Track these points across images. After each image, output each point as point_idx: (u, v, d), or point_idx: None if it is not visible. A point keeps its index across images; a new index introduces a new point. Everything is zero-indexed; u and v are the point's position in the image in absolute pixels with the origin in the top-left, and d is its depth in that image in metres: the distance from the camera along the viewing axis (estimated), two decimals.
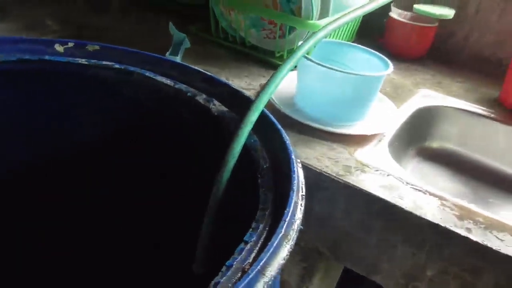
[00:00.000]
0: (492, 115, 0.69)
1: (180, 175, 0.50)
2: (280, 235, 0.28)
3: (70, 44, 0.51)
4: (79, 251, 0.55)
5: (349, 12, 0.55)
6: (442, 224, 0.41)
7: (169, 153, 0.50)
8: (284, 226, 0.28)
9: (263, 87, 0.45)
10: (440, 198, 0.46)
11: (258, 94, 0.44)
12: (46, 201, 0.53)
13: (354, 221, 0.47)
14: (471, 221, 0.43)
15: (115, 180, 0.54)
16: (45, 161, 0.54)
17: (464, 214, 0.43)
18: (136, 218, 0.54)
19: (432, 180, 0.67)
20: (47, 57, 0.49)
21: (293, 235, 0.29)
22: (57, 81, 0.51)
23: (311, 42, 0.49)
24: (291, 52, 0.74)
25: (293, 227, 0.29)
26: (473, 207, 0.45)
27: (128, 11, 0.93)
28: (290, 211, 0.30)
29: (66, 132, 0.54)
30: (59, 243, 0.54)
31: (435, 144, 0.72)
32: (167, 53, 0.70)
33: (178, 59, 0.70)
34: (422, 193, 0.47)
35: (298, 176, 0.34)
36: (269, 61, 0.75)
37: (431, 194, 0.46)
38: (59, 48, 0.51)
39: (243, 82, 0.69)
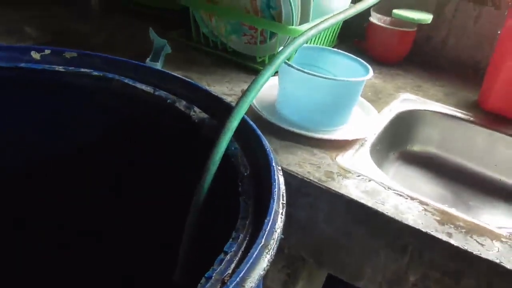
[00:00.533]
0: (471, 119, 0.70)
1: (163, 183, 0.49)
2: (260, 245, 0.27)
3: (47, 51, 0.50)
4: (79, 251, 0.54)
5: (329, 18, 0.55)
6: (423, 230, 0.42)
7: (150, 161, 0.50)
8: (264, 236, 0.28)
9: (244, 94, 0.45)
10: (422, 203, 0.46)
11: (238, 101, 0.43)
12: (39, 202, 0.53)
13: (336, 227, 0.47)
14: (452, 226, 0.43)
15: (95, 191, 0.53)
16: (25, 167, 0.53)
17: (445, 219, 0.44)
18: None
19: (414, 183, 0.68)
20: (22, 65, 0.48)
21: (273, 245, 0.28)
22: (33, 89, 0.50)
23: (291, 47, 0.49)
24: (273, 57, 0.75)
25: (273, 236, 0.29)
26: (454, 211, 0.46)
27: (108, 17, 0.92)
28: (271, 220, 0.30)
29: (45, 141, 0.52)
30: (59, 243, 0.54)
31: (416, 147, 0.73)
32: (148, 59, 0.69)
33: (158, 65, 0.69)
34: (404, 198, 0.47)
35: (278, 184, 0.34)
36: (250, 66, 0.75)
37: (412, 199, 0.47)
38: (35, 55, 0.49)
39: (225, 88, 0.68)
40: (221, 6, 0.73)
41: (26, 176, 0.52)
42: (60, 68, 0.48)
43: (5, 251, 0.52)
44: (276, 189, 0.33)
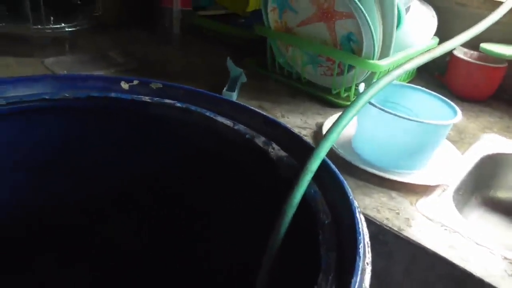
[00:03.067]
0: None
1: (237, 220, 0.49)
2: None
3: (135, 82, 0.52)
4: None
5: (416, 57, 0.53)
6: None
7: (225, 196, 0.50)
8: None
9: (326, 134, 0.44)
10: None
11: (320, 141, 0.42)
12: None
13: (416, 281, 0.44)
14: None
15: (168, 221, 0.54)
16: (103, 196, 0.55)
17: None
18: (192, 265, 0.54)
19: (497, 233, 0.62)
20: (113, 94, 0.51)
21: None
22: (121, 118, 0.52)
23: (376, 88, 0.47)
24: (348, 90, 0.73)
25: None
26: None
27: (188, 43, 0.96)
28: (357, 280, 0.28)
29: (126, 169, 0.54)
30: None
31: (501, 194, 0.67)
32: (224, 89, 0.71)
33: (234, 94, 0.70)
34: (494, 256, 0.43)
35: (363, 239, 0.32)
36: (325, 98, 0.74)
37: (505, 258, 0.43)
38: (124, 85, 0.52)
39: (299, 120, 0.68)
40: (299, 36, 0.73)
41: (112, 202, 0.55)
42: (147, 99, 0.50)
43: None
44: (362, 245, 0.31)
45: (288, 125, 0.47)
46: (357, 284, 0.28)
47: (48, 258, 0.53)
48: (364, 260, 0.30)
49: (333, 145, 0.57)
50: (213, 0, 0.99)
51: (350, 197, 0.37)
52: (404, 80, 0.82)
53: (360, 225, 0.33)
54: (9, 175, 0.50)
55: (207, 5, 1.00)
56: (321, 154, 0.42)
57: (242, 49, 0.91)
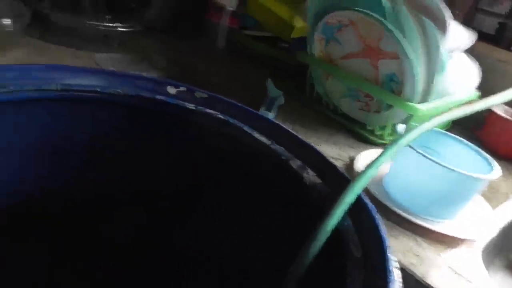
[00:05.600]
0: None
1: (270, 240, 0.49)
2: None
3: (182, 88, 0.53)
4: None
5: (459, 109, 0.53)
6: None
7: (255, 217, 0.50)
8: None
9: (365, 169, 0.44)
10: None
11: (358, 175, 0.42)
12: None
13: None
14: None
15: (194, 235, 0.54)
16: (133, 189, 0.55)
17: None
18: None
19: None
20: (158, 97, 0.52)
21: None
22: (164, 121, 0.53)
23: (417, 131, 0.47)
24: (383, 128, 0.73)
25: None
26: None
27: (230, 60, 0.98)
28: None
29: (159, 172, 0.55)
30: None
31: None
32: (262, 108, 0.72)
33: (271, 115, 0.71)
34: None
35: (393, 279, 0.32)
36: (359, 132, 0.74)
37: None
38: (171, 90, 0.53)
39: (330, 150, 0.68)
40: (341, 68, 0.74)
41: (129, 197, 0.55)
42: (191, 106, 0.52)
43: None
44: (392, 285, 0.31)
45: (323, 152, 0.48)
46: None
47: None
48: None
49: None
50: None
51: (383, 235, 0.36)
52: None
53: (390, 264, 0.33)
54: (46, 158, 0.51)
55: (253, 25, 1.03)
56: (359, 187, 0.41)
57: (282, 72, 0.92)
